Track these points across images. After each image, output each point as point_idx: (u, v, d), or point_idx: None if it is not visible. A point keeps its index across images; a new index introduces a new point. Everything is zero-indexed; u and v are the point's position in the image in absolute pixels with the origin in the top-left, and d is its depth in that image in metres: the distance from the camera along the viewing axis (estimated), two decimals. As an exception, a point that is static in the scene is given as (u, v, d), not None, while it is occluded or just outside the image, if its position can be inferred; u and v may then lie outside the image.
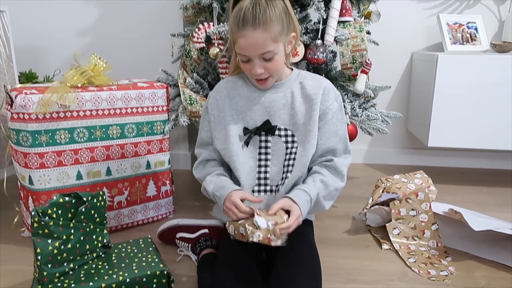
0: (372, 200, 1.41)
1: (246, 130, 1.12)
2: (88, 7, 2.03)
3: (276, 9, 0.98)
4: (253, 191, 1.12)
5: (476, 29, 1.94)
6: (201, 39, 1.51)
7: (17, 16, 2.00)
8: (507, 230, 1.20)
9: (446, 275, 1.16)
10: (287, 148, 1.11)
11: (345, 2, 1.49)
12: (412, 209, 1.35)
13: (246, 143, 1.12)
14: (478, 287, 1.12)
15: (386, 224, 1.36)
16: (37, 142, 1.23)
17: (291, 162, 1.11)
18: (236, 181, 1.13)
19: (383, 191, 1.42)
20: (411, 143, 2.20)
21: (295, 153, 1.10)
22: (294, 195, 1.04)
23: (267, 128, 1.10)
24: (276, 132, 1.11)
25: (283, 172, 1.11)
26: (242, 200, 1.02)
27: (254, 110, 1.11)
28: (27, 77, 1.83)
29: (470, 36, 1.92)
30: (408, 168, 2.10)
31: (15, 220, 1.39)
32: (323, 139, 1.10)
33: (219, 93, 1.14)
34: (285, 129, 1.11)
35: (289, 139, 1.11)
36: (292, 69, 1.15)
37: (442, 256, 1.27)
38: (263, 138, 1.12)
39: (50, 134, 1.24)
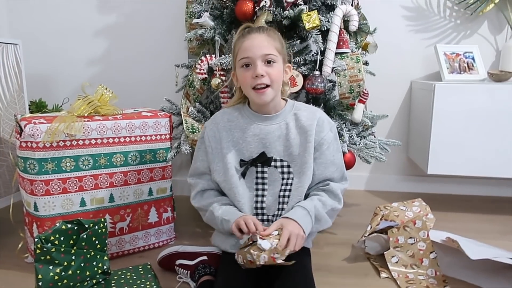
0: (371, 227, 1.42)
1: (242, 162, 1.14)
2: (97, 39, 2.12)
3: (278, 36, 1.09)
4: None
5: (473, 58, 1.98)
6: (204, 70, 1.57)
7: (28, 46, 2.09)
8: (505, 260, 1.20)
9: (444, 305, 1.16)
10: (283, 179, 1.14)
11: (342, 34, 1.55)
12: (410, 237, 1.35)
13: (243, 175, 1.15)
14: (477, 318, 1.11)
15: (385, 252, 1.36)
16: (43, 170, 1.27)
17: (286, 193, 1.13)
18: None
19: (381, 219, 1.43)
20: (412, 170, 2.21)
21: (291, 184, 1.13)
22: (289, 214, 1.07)
23: (263, 160, 1.13)
24: (272, 163, 1.14)
25: (279, 203, 1.14)
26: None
27: (250, 142, 1.14)
28: (37, 106, 1.90)
29: (467, 65, 1.96)
30: (410, 195, 2.10)
31: (19, 246, 1.42)
32: (320, 169, 1.13)
33: (216, 124, 1.17)
34: (281, 160, 1.14)
35: (285, 170, 1.13)
36: (286, 101, 1.18)
37: (441, 285, 1.26)
38: (259, 169, 1.15)
39: (56, 162, 1.28)
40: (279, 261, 0.97)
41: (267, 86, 1.07)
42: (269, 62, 1.05)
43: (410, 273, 1.32)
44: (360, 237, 1.50)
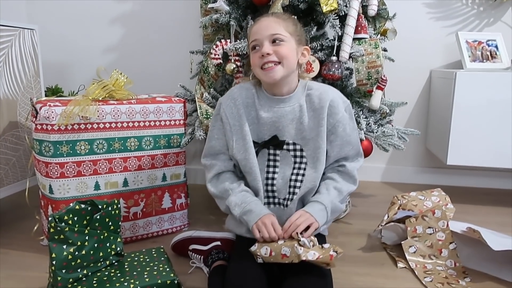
0: (388, 217, 1.39)
1: (254, 143, 1.12)
2: (113, 26, 2.12)
3: (291, 19, 1.09)
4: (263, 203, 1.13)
5: (496, 46, 1.91)
6: (219, 55, 1.55)
7: (46, 33, 2.11)
8: (529, 251, 1.16)
9: (464, 296, 1.12)
10: (295, 162, 1.11)
11: (360, 19, 1.51)
12: (429, 227, 1.31)
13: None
14: (498, 310, 1.08)
15: (402, 242, 1.33)
16: (58, 152, 1.27)
17: (299, 177, 1.11)
18: (252, 192, 1.14)
19: (399, 208, 1.39)
20: (430, 162, 2.16)
21: (304, 169, 1.11)
22: (307, 207, 1.07)
23: (275, 143, 1.11)
24: (285, 147, 1.11)
25: (289, 187, 1.11)
26: None
27: (263, 124, 1.12)
28: (53, 92, 1.92)
29: (490, 54, 1.90)
30: (427, 187, 2.04)
31: (35, 228, 1.43)
32: (336, 150, 1.11)
33: (234, 100, 1.13)
34: (294, 143, 1.11)
35: (298, 153, 1.11)
36: (298, 81, 1.15)
37: (461, 276, 1.22)
38: (271, 151, 1.13)
39: (71, 144, 1.29)
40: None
41: (278, 63, 1.04)
42: (275, 41, 1.04)
43: (428, 263, 1.28)
44: (376, 227, 1.47)
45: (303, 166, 1.11)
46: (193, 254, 1.27)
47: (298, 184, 1.10)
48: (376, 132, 1.52)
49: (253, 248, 0.99)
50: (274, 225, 1.02)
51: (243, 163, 1.12)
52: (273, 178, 1.12)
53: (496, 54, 1.90)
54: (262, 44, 1.04)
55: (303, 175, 1.10)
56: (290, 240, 0.99)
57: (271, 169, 1.13)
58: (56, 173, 1.28)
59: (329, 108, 1.08)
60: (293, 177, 1.11)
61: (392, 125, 1.65)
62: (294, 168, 1.11)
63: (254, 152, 1.11)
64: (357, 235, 1.52)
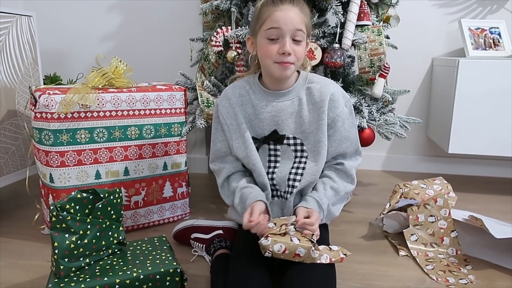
0: (389, 205, 1.38)
1: (254, 139, 1.10)
2: (111, 13, 2.09)
3: (308, 9, 1.04)
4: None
5: (499, 34, 1.90)
6: (219, 42, 1.53)
7: (43, 21, 2.07)
8: (531, 239, 1.16)
9: (465, 284, 1.13)
10: (295, 157, 1.10)
11: (363, 6, 1.49)
12: (431, 215, 1.31)
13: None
14: (500, 297, 1.08)
15: (404, 230, 1.33)
16: (58, 141, 1.26)
17: (299, 171, 1.10)
18: (260, 188, 1.12)
19: (400, 197, 1.39)
20: (432, 150, 2.15)
21: (305, 162, 1.09)
22: (307, 203, 1.05)
23: (275, 138, 1.10)
24: (285, 141, 1.10)
25: (289, 179, 1.10)
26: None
27: (262, 119, 1.10)
28: (52, 80, 1.90)
29: (493, 41, 1.88)
30: (428, 175, 2.05)
31: (36, 217, 1.43)
32: (334, 145, 1.10)
33: (228, 100, 1.11)
34: (294, 138, 1.09)
35: (298, 147, 1.10)
36: (299, 73, 1.12)
37: (462, 264, 1.23)
38: (271, 146, 1.12)
39: (71, 133, 1.27)
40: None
41: (292, 63, 1.02)
42: (296, 40, 1.00)
43: (430, 251, 1.28)
44: (377, 215, 1.47)
45: (303, 160, 1.09)
46: (195, 242, 1.27)
47: (298, 177, 1.09)
48: (379, 121, 1.51)
49: (264, 243, 0.94)
50: (253, 210, 0.98)
51: (245, 160, 1.11)
52: (273, 173, 1.11)
53: (499, 41, 1.88)
54: (284, 37, 0.98)
55: (303, 168, 1.09)
56: (304, 239, 0.96)
57: (272, 164, 1.12)
58: (56, 162, 1.27)
59: (329, 102, 1.06)
60: (293, 170, 1.10)
61: (394, 114, 1.63)
62: (294, 162, 1.10)
63: (254, 148, 1.10)
64: (359, 223, 1.52)
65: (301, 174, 1.09)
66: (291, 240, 0.95)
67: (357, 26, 1.48)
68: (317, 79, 1.11)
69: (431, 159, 2.16)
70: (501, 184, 1.98)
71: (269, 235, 0.95)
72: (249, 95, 1.11)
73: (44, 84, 1.86)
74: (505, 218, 1.47)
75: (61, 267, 0.94)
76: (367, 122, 1.48)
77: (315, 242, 0.97)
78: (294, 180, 1.09)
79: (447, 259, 1.25)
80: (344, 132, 1.09)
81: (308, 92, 1.09)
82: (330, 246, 1.02)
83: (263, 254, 0.96)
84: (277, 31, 0.98)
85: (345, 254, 1.01)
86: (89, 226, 0.98)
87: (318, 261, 0.96)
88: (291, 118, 1.08)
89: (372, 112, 1.50)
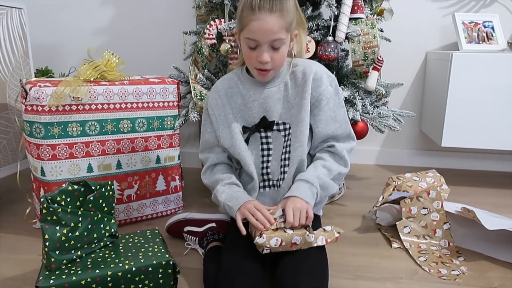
0: (383, 198, 1.39)
1: (245, 128, 1.11)
2: (103, 7, 2.07)
3: (290, 1, 1.00)
4: (259, 187, 1.13)
5: (492, 28, 1.90)
6: (213, 35, 1.52)
7: (35, 14, 2.05)
8: (522, 230, 1.17)
9: (457, 275, 1.13)
10: (284, 141, 1.10)
11: (357, -1, 1.48)
12: (424, 208, 1.32)
13: (246, 141, 1.11)
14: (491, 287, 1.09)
15: (397, 223, 1.33)
16: (49, 134, 1.25)
17: (287, 155, 1.10)
18: (247, 178, 1.13)
19: (393, 189, 1.39)
20: (425, 144, 2.16)
21: (290, 145, 1.09)
22: (291, 191, 1.03)
23: (265, 124, 1.10)
24: (275, 127, 1.10)
25: (281, 166, 1.10)
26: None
27: (251, 107, 1.11)
28: (43, 74, 1.87)
29: (487, 35, 1.89)
30: (421, 169, 2.03)
31: (27, 211, 1.41)
32: (320, 126, 1.08)
33: (217, 92, 1.13)
34: (283, 123, 1.09)
35: (287, 132, 1.09)
36: None
37: (454, 255, 1.23)
38: (263, 134, 1.11)
39: (62, 126, 1.26)
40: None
41: (271, 69, 1.04)
42: (275, 47, 0.99)
43: (423, 243, 1.29)
44: (370, 208, 1.47)
45: (289, 143, 1.09)
46: (188, 235, 1.26)
47: (287, 162, 1.09)
48: (372, 114, 1.51)
49: (260, 241, 0.94)
50: (259, 209, 0.99)
51: (231, 150, 1.11)
52: (268, 161, 1.12)
53: (492, 35, 1.89)
54: (262, 47, 0.99)
55: (289, 152, 1.09)
56: (297, 228, 0.97)
57: (265, 152, 1.12)
58: (47, 155, 1.26)
59: (313, 81, 1.05)
60: (283, 156, 1.10)
61: (388, 107, 1.63)
62: (283, 147, 1.10)
63: (241, 138, 1.10)
64: (352, 216, 1.52)
65: (289, 158, 1.09)
66: (285, 232, 0.95)
67: (351, 19, 1.47)
68: (300, 62, 1.11)
69: (424, 153, 2.17)
70: (492, 178, 1.99)
71: (263, 232, 0.95)
72: (238, 86, 1.13)
73: (36, 77, 1.84)
74: (496, 211, 1.47)
75: (52, 259, 0.93)
76: (360, 115, 1.48)
77: (309, 226, 0.98)
78: (285, 165, 1.10)
79: (440, 251, 1.26)
80: (329, 112, 1.08)
81: (292, 76, 1.09)
82: (323, 227, 1.02)
83: (261, 252, 0.96)
84: (254, 41, 0.99)
85: (339, 233, 1.02)
86: (80, 219, 0.98)
87: (315, 244, 0.97)
88: (278, 103, 1.09)
89: (365, 105, 1.50)
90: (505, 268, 1.17)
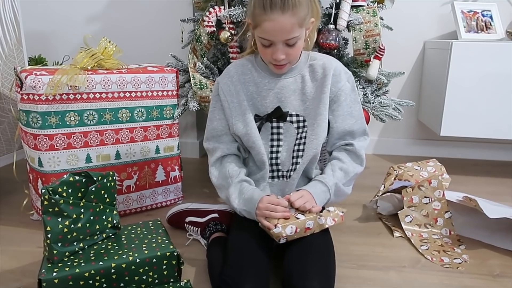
0: (384, 187, 1.39)
1: (257, 117, 1.09)
2: (98, -7, 2.02)
3: (301, 2, 0.95)
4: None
5: (491, 17, 1.90)
6: (212, 23, 1.49)
7: (27, 2, 1.99)
8: (523, 218, 1.18)
9: (459, 263, 1.14)
10: (297, 133, 1.09)
11: (358, -14, 1.46)
12: (425, 197, 1.32)
13: (258, 130, 1.10)
14: (493, 275, 1.09)
15: (398, 212, 1.34)
16: (46, 124, 1.22)
17: (301, 147, 1.09)
18: (255, 167, 1.12)
19: (395, 179, 1.39)
20: (423, 134, 2.17)
21: (305, 137, 1.09)
22: (309, 187, 1.05)
23: (279, 115, 1.08)
24: (288, 118, 1.09)
25: (293, 157, 1.10)
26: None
27: (265, 96, 1.09)
28: (37, 62, 1.83)
29: (485, 24, 1.88)
30: (420, 158, 2.04)
31: (24, 202, 1.39)
32: (338, 121, 1.09)
33: (230, 78, 1.10)
34: (297, 115, 1.09)
35: (301, 124, 1.09)
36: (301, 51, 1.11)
37: (456, 244, 1.24)
38: (274, 124, 1.10)
39: (59, 116, 1.23)
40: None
41: (287, 63, 1.03)
42: (290, 44, 0.98)
43: (424, 232, 1.29)
44: (371, 197, 1.47)
45: (304, 135, 1.09)
46: (190, 226, 1.25)
47: (300, 153, 1.09)
48: (373, 103, 1.50)
49: (277, 230, 0.93)
50: (275, 204, 0.98)
51: (245, 138, 1.08)
52: (277, 152, 1.10)
53: (491, 24, 1.89)
54: (276, 45, 0.97)
55: (304, 143, 1.08)
56: (307, 213, 0.99)
57: (275, 143, 1.11)
58: (45, 145, 1.23)
59: (332, 76, 1.06)
60: (296, 147, 1.09)
61: (388, 97, 1.63)
62: (296, 139, 1.09)
63: (255, 126, 1.08)
64: (353, 206, 1.52)
65: (303, 150, 1.08)
66: (297, 218, 0.96)
67: (352, 6, 1.46)
68: (319, 56, 1.11)
69: (422, 143, 2.17)
70: (489, 167, 2.01)
71: (277, 223, 0.95)
72: (252, 73, 1.10)
73: (29, 65, 1.80)
74: (494, 199, 1.48)
75: (55, 251, 0.91)
76: (361, 104, 1.47)
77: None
78: (297, 156, 1.09)
79: (441, 240, 1.26)
80: (346, 107, 1.09)
81: (311, 69, 1.09)
82: (327, 208, 1.02)
83: (278, 242, 0.96)
84: (268, 41, 0.97)
85: (343, 212, 1.03)
86: (82, 210, 0.96)
87: (327, 225, 0.99)
88: (294, 95, 1.08)
89: (366, 94, 1.50)
90: (506, 256, 1.18)
